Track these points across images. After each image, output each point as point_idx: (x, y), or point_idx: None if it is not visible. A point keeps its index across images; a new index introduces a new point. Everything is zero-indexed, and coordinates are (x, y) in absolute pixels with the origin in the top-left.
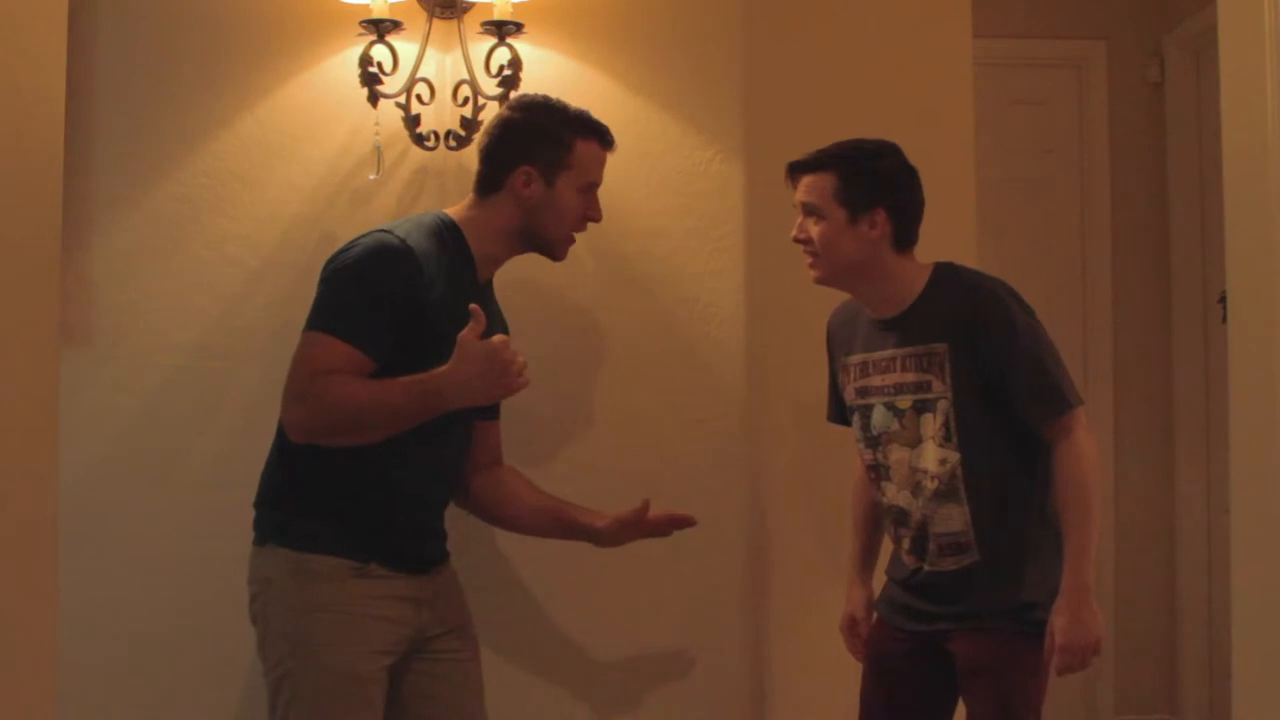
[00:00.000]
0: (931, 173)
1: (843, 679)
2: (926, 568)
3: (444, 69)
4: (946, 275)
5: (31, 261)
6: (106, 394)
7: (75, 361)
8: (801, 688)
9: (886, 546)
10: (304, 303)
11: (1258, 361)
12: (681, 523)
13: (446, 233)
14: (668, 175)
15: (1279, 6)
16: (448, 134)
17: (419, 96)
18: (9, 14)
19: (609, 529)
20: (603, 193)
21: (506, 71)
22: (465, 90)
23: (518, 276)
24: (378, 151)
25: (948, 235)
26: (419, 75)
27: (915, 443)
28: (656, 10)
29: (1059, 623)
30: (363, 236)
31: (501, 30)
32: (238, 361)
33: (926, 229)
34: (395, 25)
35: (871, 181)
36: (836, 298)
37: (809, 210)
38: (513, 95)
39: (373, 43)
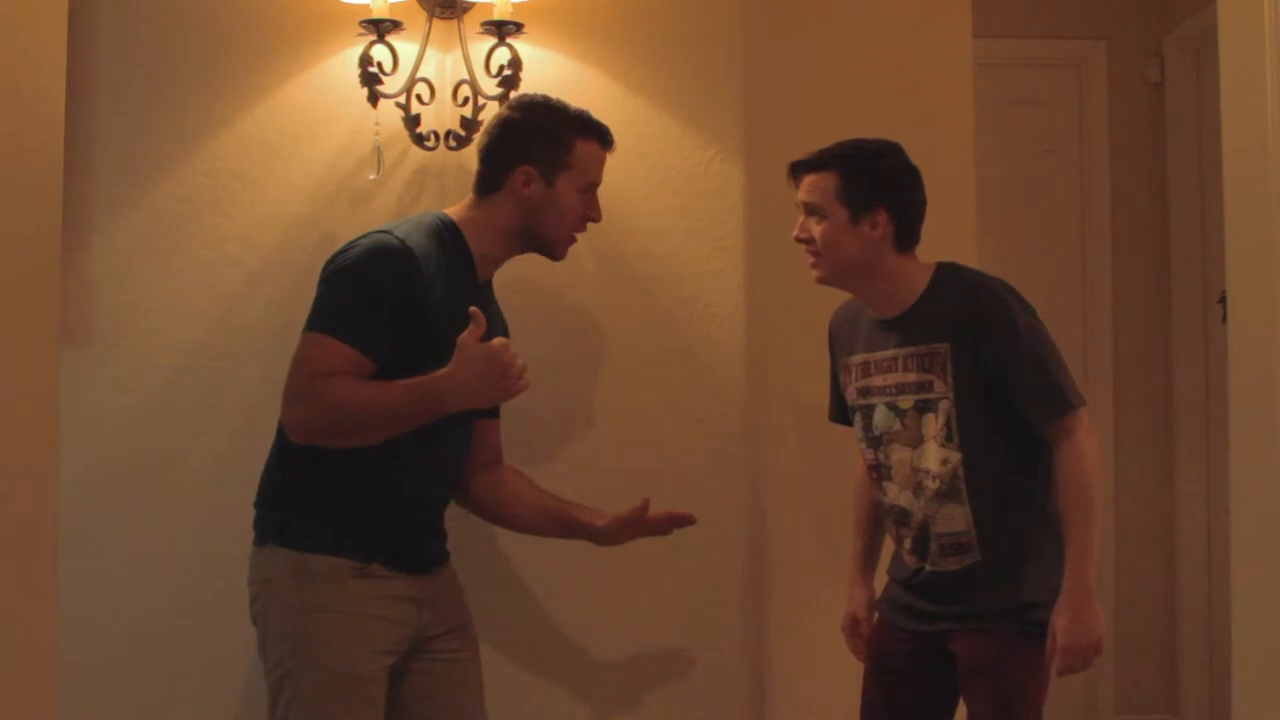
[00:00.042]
0: (931, 173)
1: (843, 679)
2: (928, 568)
3: (444, 69)
4: (948, 275)
5: (31, 261)
6: (106, 394)
7: (75, 361)
8: (801, 688)
9: (888, 546)
10: (304, 303)
11: (1258, 361)
12: (681, 521)
13: (446, 233)
14: (668, 175)
15: (1279, 6)
16: (448, 134)
17: (419, 96)
18: (9, 14)
19: (609, 528)
20: (603, 193)
21: (506, 71)
22: (465, 90)
23: (518, 276)
24: (378, 151)
25: (948, 235)
26: (419, 75)
27: (917, 443)
28: (656, 10)
29: (1061, 623)
30: (362, 237)
31: (501, 30)
32: (238, 361)
33: (927, 229)
34: (395, 25)
35: (873, 181)
36: (836, 298)
37: (811, 210)
38: (513, 95)
39: (373, 43)
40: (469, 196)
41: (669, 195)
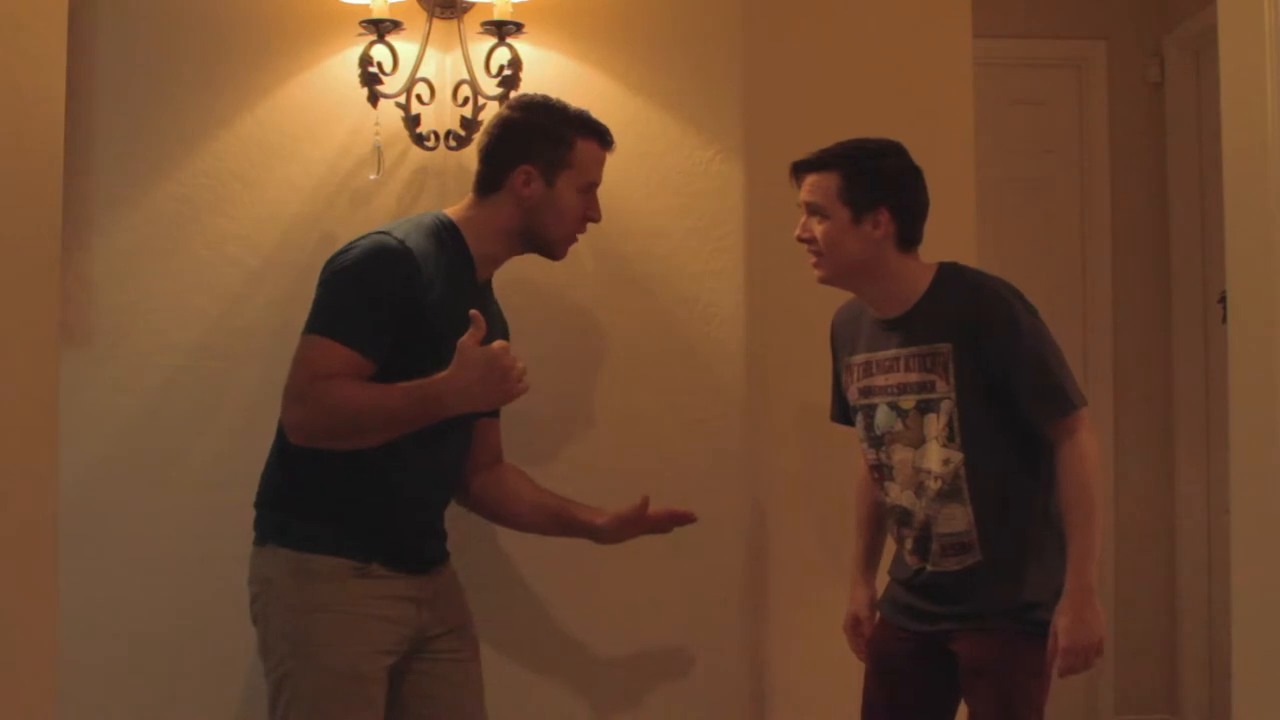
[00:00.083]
0: (932, 173)
1: (843, 679)
2: (929, 568)
3: (444, 69)
4: (950, 275)
5: (31, 261)
6: (106, 394)
7: (75, 361)
8: (801, 688)
9: (889, 546)
10: (304, 303)
11: (1258, 361)
12: (682, 519)
13: (445, 233)
14: (668, 175)
15: (1279, 6)
16: (448, 134)
17: (419, 96)
18: (9, 14)
19: (609, 526)
20: (603, 193)
21: (506, 71)
22: (465, 90)
23: (518, 276)
24: (378, 151)
25: (948, 235)
26: (419, 75)
27: (919, 443)
28: (656, 10)
29: (1062, 623)
30: (361, 238)
31: (501, 30)
32: (238, 361)
33: (926, 229)
34: (395, 25)
35: (875, 181)
36: (836, 297)
37: (813, 209)
38: (513, 95)
39: (373, 43)
40: (469, 196)
41: (669, 195)
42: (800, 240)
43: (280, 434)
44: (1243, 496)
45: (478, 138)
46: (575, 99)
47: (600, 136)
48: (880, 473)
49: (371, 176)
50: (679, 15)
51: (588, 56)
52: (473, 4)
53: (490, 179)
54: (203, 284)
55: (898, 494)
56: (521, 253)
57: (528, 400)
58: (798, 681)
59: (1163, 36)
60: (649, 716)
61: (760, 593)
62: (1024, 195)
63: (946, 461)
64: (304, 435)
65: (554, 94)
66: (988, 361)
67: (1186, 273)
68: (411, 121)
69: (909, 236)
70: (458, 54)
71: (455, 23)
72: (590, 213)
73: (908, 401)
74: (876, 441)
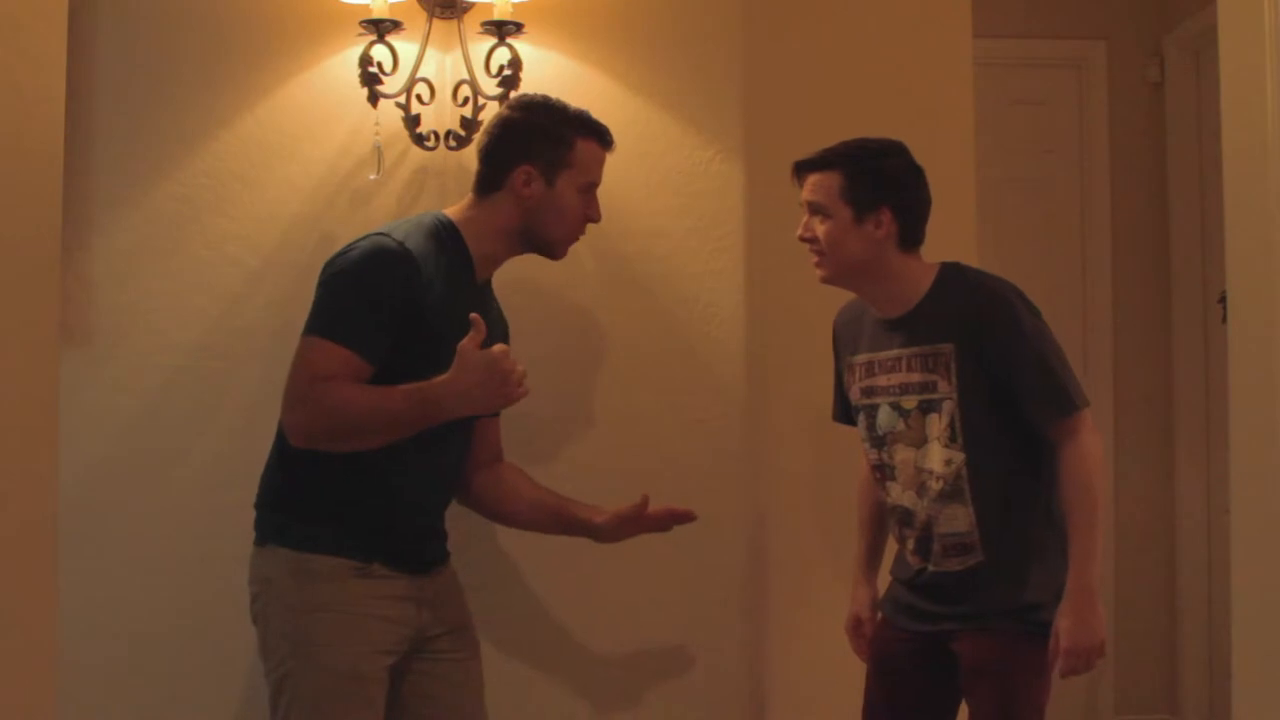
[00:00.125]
0: (932, 173)
1: (843, 679)
2: (931, 568)
3: (444, 69)
4: (953, 275)
5: (31, 261)
6: (106, 394)
7: (75, 361)
8: (801, 688)
9: (891, 546)
10: (304, 303)
11: (1258, 361)
12: (681, 518)
13: (445, 233)
14: (668, 175)
15: (1279, 6)
16: (448, 134)
17: (419, 96)
18: (9, 14)
19: (608, 524)
20: (603, 193)
21: (506, 71)
22: (465, 90)
23: (518, 276)
24: (378, 151)
25: (948, 235)
26: (419, 75)
27: (920, 443)
28: (656, 10)
29: (1064, 624)
30: (360, 240)
31: (501, 30)
32: (238, 361)
33: (927, 229)
34: (395, 25)
35: (877, 180)
36: (836, 297)
37: (815, 209)
38: (513, 95)
39: (373, 43)
40: (468, 197)
41: (669, 195)
42: (802, 240)
43: (280, 435)
44: (1243, 496)
45: (478, 138)
46: (575, 99)
47: (600, 136)
48: (882, 473)
49: (371, 176)
50: (679, 15)
51: (588, 56)
52: (473, 4)
53: (490, 179)
54: (203, 284)
55: (899, 494)
56: (521, 253)
57: (528, 400)
58: (798, 681)
59: (1163, 36)
60: (649, 716)
61: (760, 593)
62: (1024, 195)
63: (948, 462)
64: (304, 437)
65: (554, 94)
66: (990, 362)
67: (1186, 273)
68: (411, 121)
69: (911, 236)
70: (458, 54)
71: (455, 23)
72: (590, 213)
73: (910, 402)
74: (878, 441)
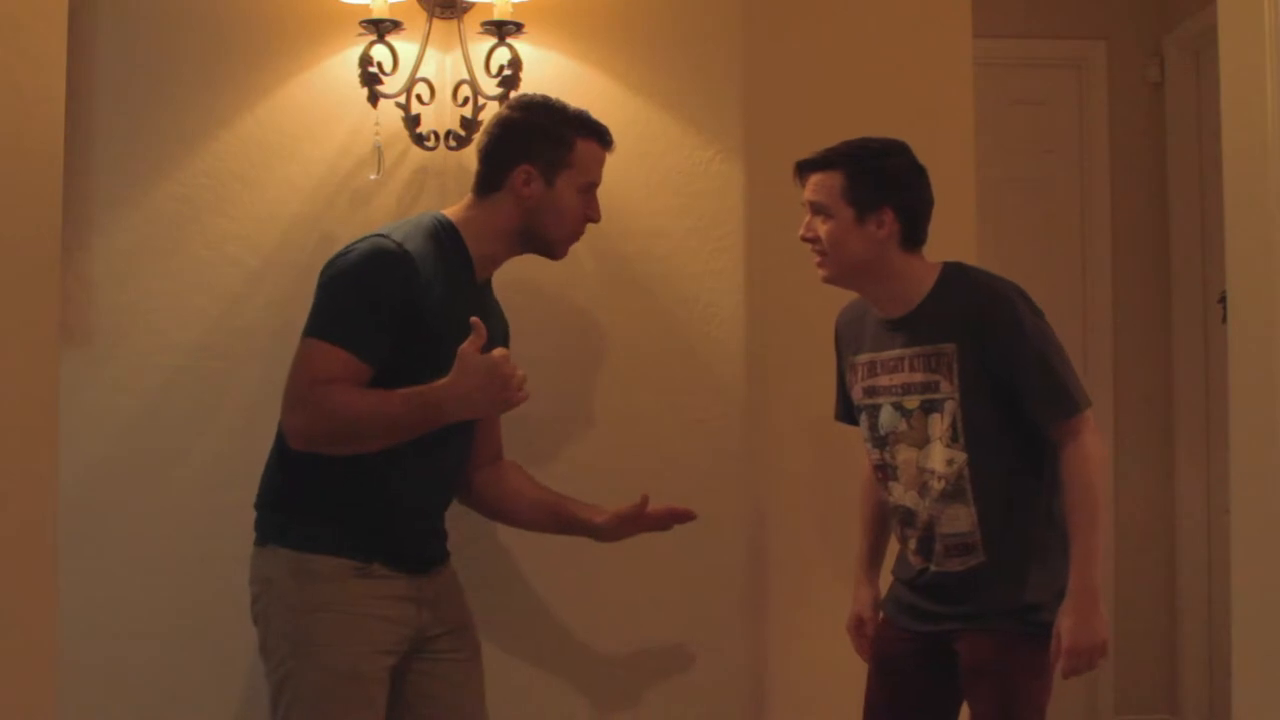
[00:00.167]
0: (932, 173)
1: (843, 679)
2: (933, 568)
3: (444, 69)
4: (955, 275)
5: (31, 261)
6: (106, 394)
7: (75, 361)
8: (801, 688)
9: (893, 546)
10: (304, 303)
11: (1258, 361)
12: (681, 517)
13: (444, 234)
14: (668, 175)
15: (1279, 6)
16: (448, 134)
17: (419, 96)
18: (9, 14)
19: (608, 524)
20: (603, 193)
21: (506, 71)
22: (465, 90)
23: (518, 276)
24: (378, 151)
25: (948, 235)
26: (419, 75)
27: (922, 443)
28: (656, 10)
29: (1065, 625)
30: (359, 241)
31: (501, 30)
32: (238, 361)
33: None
34: (395, 25)
35: (879, 180)
36: (836, 297)
37: (817, 209)
38: (513, 95)
39: (373, 43)
40: (468, 197)
41: (669, 195)
42: (804, 240)
43: (280, 437)
44: (1243, 496)
45: (477, 138)
46: (575, 99)
47: (600, 136)
48: (884, 473)
49: (371, 176)
50: (679, 15)
51: (588, 56)
52: (473, 4)
53: (490, 179)
54: (203, 284)
55: (901, 494)
56: (521, 253)
57: (528, 400)
58: (798, 681)
59: (1163, 36)
60: (649, 716)
61: (760, 593)
62: (1024, 195)
63: (950, 462)
64: (304, 440)
65: (554, 94)
66: (992, 362)
67: (1186, 273)
68: (411, 121)
69: (913, 236)
70: (458, 54)
71: (455, 23)
72: (590, 213)
73: (912, 401)
74: (880, 441)
